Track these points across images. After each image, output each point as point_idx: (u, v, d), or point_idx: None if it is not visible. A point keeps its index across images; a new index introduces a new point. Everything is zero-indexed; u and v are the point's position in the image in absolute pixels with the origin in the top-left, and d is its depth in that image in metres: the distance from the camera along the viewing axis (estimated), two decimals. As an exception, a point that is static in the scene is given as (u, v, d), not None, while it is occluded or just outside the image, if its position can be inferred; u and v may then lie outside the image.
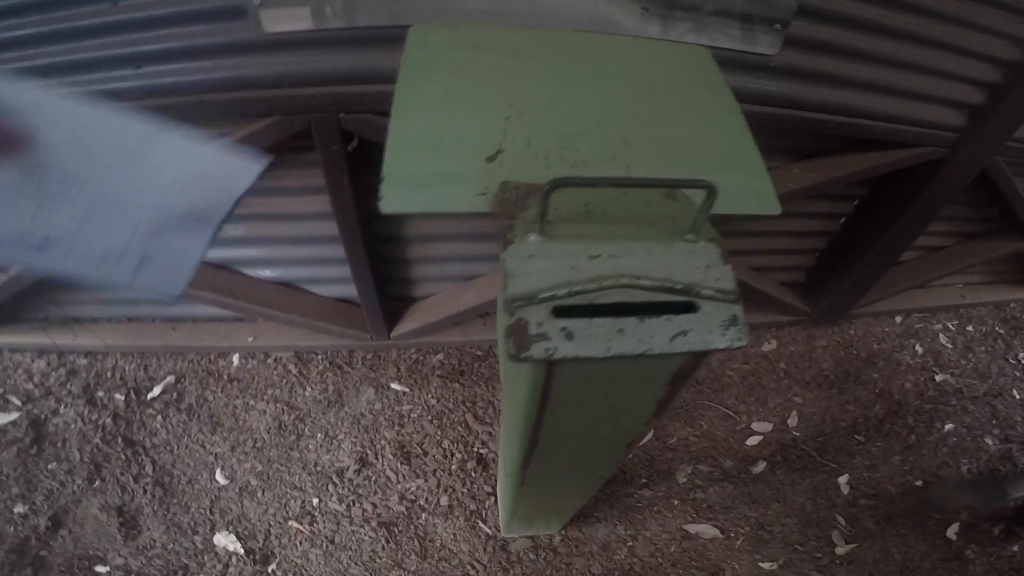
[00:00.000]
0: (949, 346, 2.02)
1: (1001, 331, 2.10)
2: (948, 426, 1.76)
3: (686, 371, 0.53)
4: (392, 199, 0.56)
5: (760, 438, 1.65)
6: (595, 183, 0.46)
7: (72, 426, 1.53)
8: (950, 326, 2.09)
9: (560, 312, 0.46)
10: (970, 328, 2.10)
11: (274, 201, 1.36)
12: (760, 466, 1.60)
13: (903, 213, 1.53)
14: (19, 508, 1.38)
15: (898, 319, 2.07)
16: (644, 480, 1.53)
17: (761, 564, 1.42)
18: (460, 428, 1.57)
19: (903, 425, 1.75)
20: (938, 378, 1.91)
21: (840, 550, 1.46)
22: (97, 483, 1.43)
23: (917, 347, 1.99)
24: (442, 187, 0.58)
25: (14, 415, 1.54)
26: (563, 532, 1.40)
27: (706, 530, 1.46)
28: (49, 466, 1.45)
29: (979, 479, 1.64)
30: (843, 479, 1.60)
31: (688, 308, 0.48)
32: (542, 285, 0.47)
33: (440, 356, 1.74)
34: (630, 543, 1.41)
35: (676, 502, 1.50)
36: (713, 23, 1.05)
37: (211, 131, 1.16)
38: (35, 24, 1.00)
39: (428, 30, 0.79)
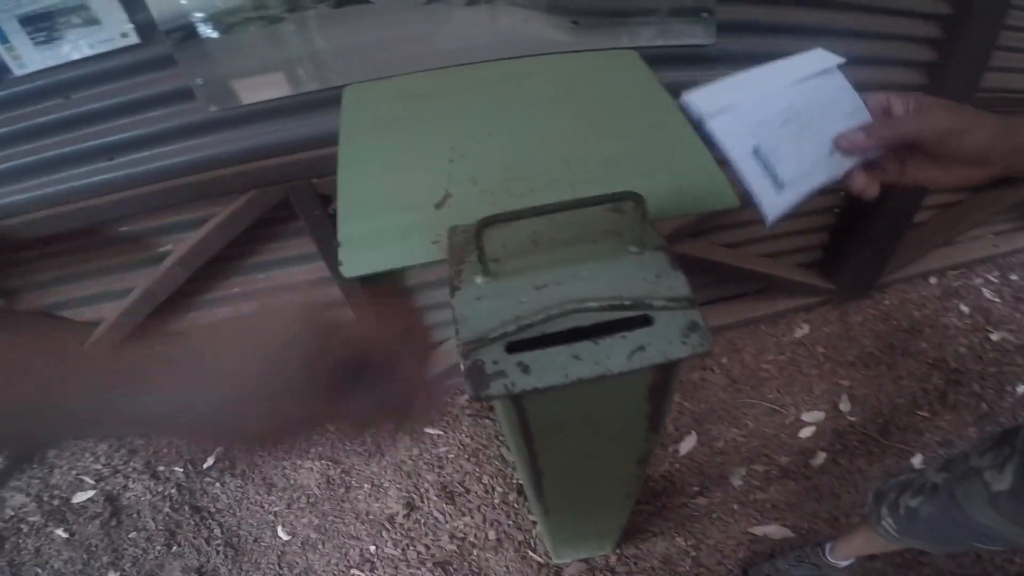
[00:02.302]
0: (997, 300, 1.87)
1: (1049, 272, 1.94)
2: (1021, 388, 1.62)
3: (660, 384, 0.51)
4: (351, 263, 0.58)
5: (813, 429, 1.56)
6: (519, 216, 0.46)
7: (142, 498, 1.64)
8: (991, 278, 1.94)
9: (514, 347, 0.47)
10: (1014, 277, 1.94)
11: (278, 274, 1.43)
12: (820, 458, 1.51)
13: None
14: (112, 574, 1.49)
15: (933, 280, 1.93)
16: (696, 489, 1.47)
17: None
18: (497, 462, 1.57)
19: (969, 393, 1.62)
20: (994, 337, 1.76)
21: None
22: (174, 548, 1.52)
23: (962, 307, 1.85)
24: (397, 242, 0.60)
25: (90, 492, 1.67)
26: (618, 551, 1.35)
27: (775, 531, 1.38)
28: (130, 535, 1.56)
29: None
30: (916, 459, 1.49)
31: (645, 321, 0.48)
32: (492, 324, 0.47)
33: (466, 396, 1.75)
34: (693, 553, 1.35)
35: (735, 506, 1.43)
36: (644, 24, 1.05)
37: (196, 213, 1.22)
38: (1, 124, 1.05)
39: (361, 88, 0.83)
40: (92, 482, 1.69)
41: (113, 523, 1.58)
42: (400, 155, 0.68)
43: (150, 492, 1.64)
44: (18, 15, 0.90)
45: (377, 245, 0.60)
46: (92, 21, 0.91)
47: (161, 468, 1.71)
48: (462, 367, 0.46)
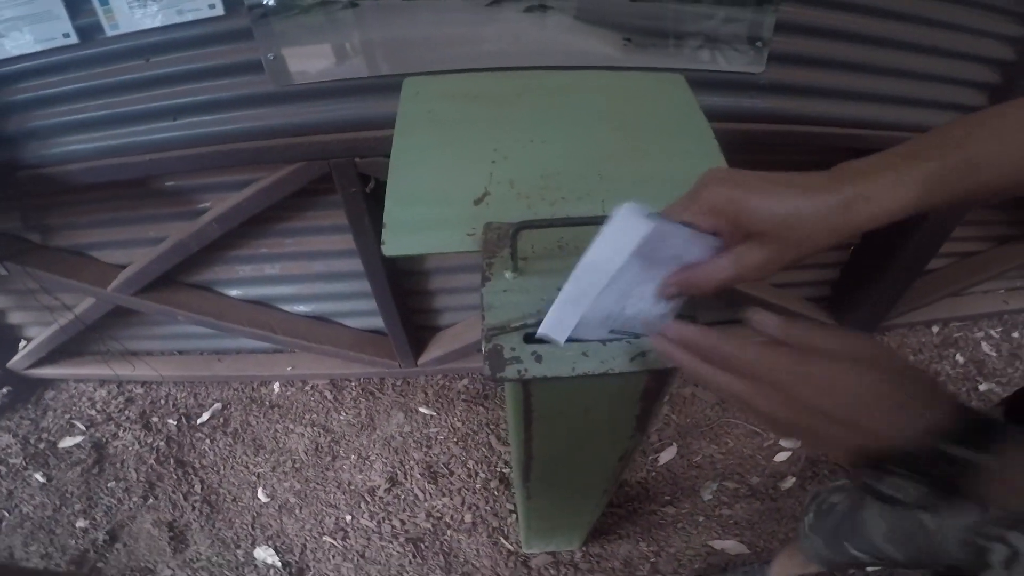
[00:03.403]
0: (993, 354, 1.93)
1: (1052, 337, 2.00)
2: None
3: (653, 389, 0.58)
4: (393, 243, 0.65)
5: (789, 454, 1.63)
6: (551, 224, 0.53)
7: (130, 448, 1.68)
8: (993, 333, 2.00)
9: (531, 339, 0.53)
10: (1016, 335, 1.99)
11: (306, 240, 1.49)
12: (789, 482, 1.57)
13: (923, 221, 1.51)
14: (81, 523, 1.52)
15: (935, 329, 2.00)
16: (668, 498, 1.54)
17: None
18: (484, 449, 1.63)
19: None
20: (982, 387, 1.82)
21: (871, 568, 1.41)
22: (151, 500, 1.56)
23: (958, 356, 1.91)
24: (436, 230, 0.66)
25: (79, 438, 1.71)
26: (584, 548, 1.42)
27: (732, 546, 1.45)
28: (109, 484, 1.60)
29: None
30: (881, 493, 1.56)
31: (649, 330, 0.54)
32: (515, 315, 0.54)
33: (465, 381, 1.81)
34: (653, 559, 1.42)
35: (701, 519, 1.50)
36: (695, 47, 1.09)
37: (239, 176, 1.29)
38: (80, 80, 1.13)
39: (420, 82, 0.88)
40: (83, 427, 1.73)
41: (95, 471, 1.62)
42: (448, 152, 0.74)
43: (139, 442, 1.68)
44: None
45: (417, 230, 0.66)
46: None
47: (155, 419, 1.75)
48: (483, 349, 0.53)
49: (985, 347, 1.95)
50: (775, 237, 0.41)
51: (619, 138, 0.78)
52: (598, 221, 0.54)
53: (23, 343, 1.81)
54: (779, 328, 0.40)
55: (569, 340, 0.49)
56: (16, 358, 1.79)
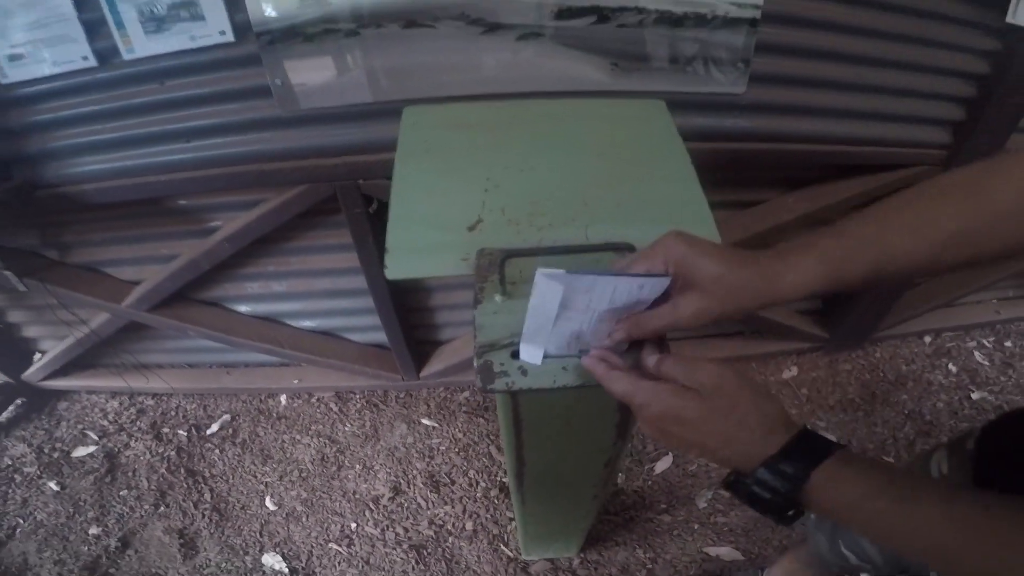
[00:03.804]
0: (986, 363, 1.96)
1: (1044, 345, 2.03)
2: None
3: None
4: (394, 267, 0.70)
5: (781, 464, 1.67)
6: (535, 253, 0.59)
7: (141, 458, 1.73)
8: (986, 343, 2.03)
9: (517, 355, 0.58)
10: (1008, 344, 2.02)
11: (311, 259, 1.55)
12: (782, 491, 1.61)
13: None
14: (93, 530, 1.57)
15: (927, 339, 2.03)
16: (664, 506, 1.58)
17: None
18: (484, 459, 1.68)
19: (937, 444, 1.71)
20: (975, 396, 1.85)
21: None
22: (162, 508, 1.61)
23: (950, 366, 1.94)
24: (434, 255, 0.71)
25: (92, 448, 1.77)
26: (582, 555, 1.46)
27: (727, 552, 1.48)
28: (121, 493, 1.65)
29: None
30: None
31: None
32: (503, 335, 0.59)
33: (466, 394, 1.86)
34: (649, 566, 1.45)
35: (696, 526, 1.53)
36: (679, 70, 1.14)
37: (249, 196, 1.36)
38: (98, 102, 1.17)
39: (419, 111, 0.94)
40: (96, 437, 1.79)
41: (107, 480, 1.67)
42: (445, 180, 0.80)
43: (150, 452, 1.74)
44: (136, 4, 1.02)
45: (417, 254, 0.71)
46: (198, 17, 1.04)
47: (166, 430, 1.81)
48: (475, 364, 0.58)
49: (978, 356, 1.98)
50: (707, 292, 0.48)
51: (602, 164, 0.83)
52: (575, 250, 0.60)
53: (37, 356, 1.88)
54: (654, 365, 0.50)
55: (546, 357, 0.57)
56: (31, 370, 1.86)
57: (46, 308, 1.65)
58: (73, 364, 1.87)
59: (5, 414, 1.88)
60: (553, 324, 0.53)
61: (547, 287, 0.49)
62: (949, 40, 1.23)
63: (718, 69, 1.16)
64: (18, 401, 1.90)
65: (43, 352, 1.88)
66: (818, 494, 0.42)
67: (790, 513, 0.44)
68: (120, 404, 1.90)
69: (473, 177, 0.81)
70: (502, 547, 1.48)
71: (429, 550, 1.49)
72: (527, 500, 0.92)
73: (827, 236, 0.48)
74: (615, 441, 0.72)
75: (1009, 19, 1.16)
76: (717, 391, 0.45)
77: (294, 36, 1.06)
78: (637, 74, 1.15)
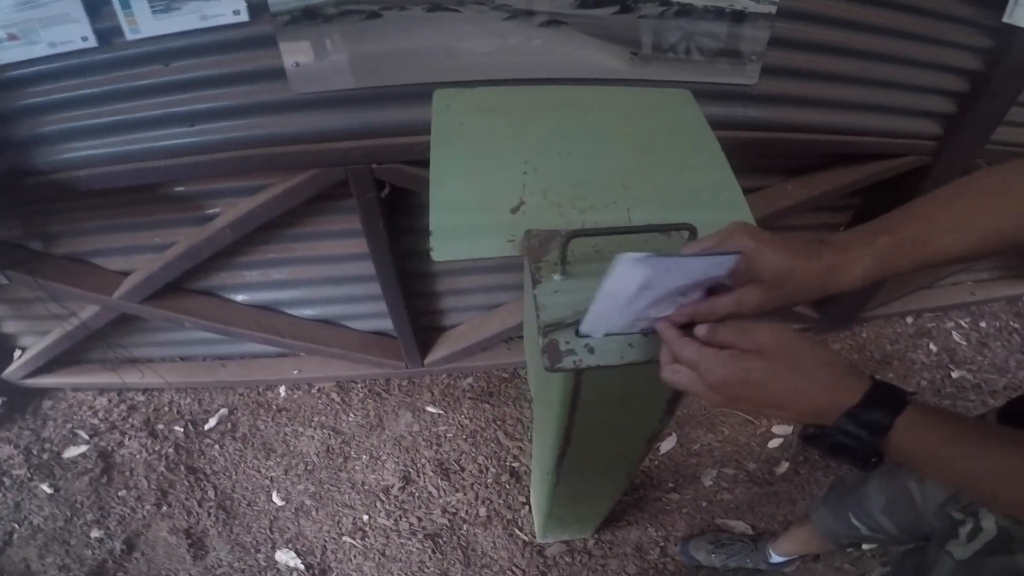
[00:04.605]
0: (963, 343, 2.07)
1: (1016, 325, 2.14)
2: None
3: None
4: (440, 250, 0.69)
5: (781, 440, 1.73)
6: (601, 232, 0.59)
7: (137, 456, 1.67)
8: (963, 323, 2.14)
9: (582, 333, 0.59)
10: (983, 324, 2.14)
11: (315, 245, 1.52)
12: (783, 467, 1.67)
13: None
14: (95, 533, 1.51)
15: (909, 320, 2.13)
16: (671, 485, 1.62)
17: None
18: (493, 444, 1.69)
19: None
20: (955, 375, 1.95)
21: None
22: (164, 508, 1.56)
23: (931, 346, 2.05)
24: (478, 237, 0.71)
25: (83, 447, 1.69)
26: (596, 536, 1.49)
27: (736, 525, 1.53)
28: (119, 493, 1.59)
29: None
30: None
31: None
32: (567, 313, 0.60)
33: (470, 379, 1.86)
34: (662, 544, 1.50)
35: (704, 504, 1.58)
36: (695, 61, 1.16)
37: (252, 181, 1.31)
38: (97, 84, 1.11)
39: (449, 95, 0.93)
40: (86, 437, 1.72)
41: (103, 480, 1.61)
42: (483, 163, 0.79)
43: (146, 450, 1.68)
44: None
45: (461, 237, 0.71)
46: None
47: (160, 427, 1.75)
48: (541, 344, 0.58)
49: (956, 336, 2.09)
50: (772, 285, 0.51)
51: (637, 152, 0.84)
52: (638, 230, 0.60)
53: (18, 353, 1.79)
54: (706, 333, 0.51)
55: (607, 336, 0.58)
56: (11, 368, 1.77)
57: (27, 302, 1.57)
58: (57, 361, 1.78)
59: (-15, 415, 1.79)
60: (623, 309, 0.54)
61: (631, 271, 0.49)
62: (947, 37, 1.29)
63: (732, 61, 1.18)
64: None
65: (24, 349, 1.79)
66: (899, 442, 0.44)
67: (873, 460, 0.46)
68: (109, 401, 1.83)
69: (511, 161, 0.80)
70: (517, 532, 1.50)
71: (444, 538, 1.49)
72: (561, 481, 0.93)
73: (882, 234, 0.52)
74: (663, 416, 0.74)
75: (1006, 19, 1.21)
76: (780, 350, 0.47)
77: (313, 17, 1.02)
78: (655, 63, 1.17)
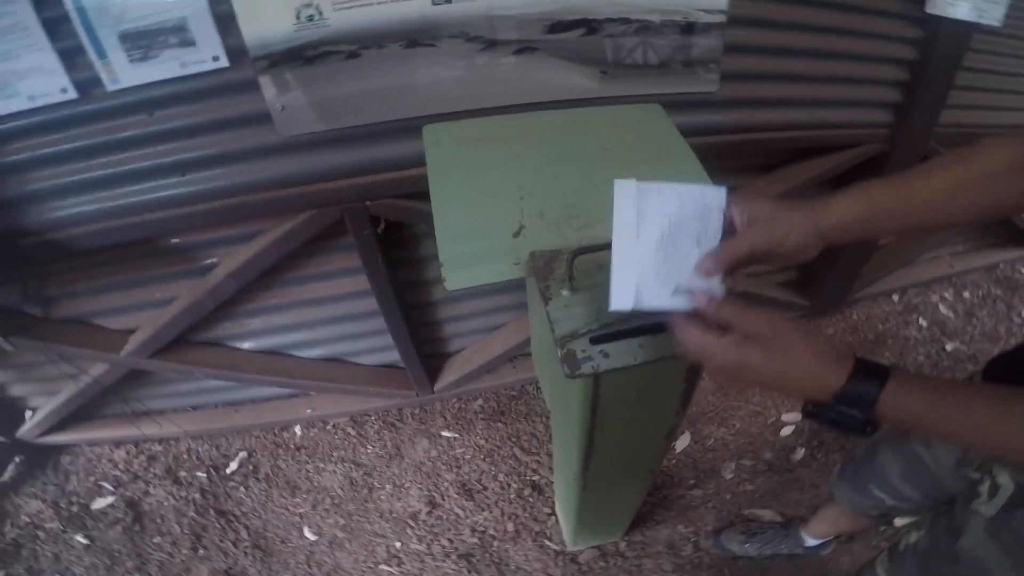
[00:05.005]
0: (951, 315, 2.13)
1: (998, 292, 2.21)
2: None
3: (695, 367, 0.69)
4: (453, 279, 0.74)
5: (792, 428, 1.76)
6: (601, 248, 0.64)
7: (165, 503, 1.69)
8: (946, 296, 2.20)
9: (596, 340, 0.63)
10: (967, 294, 2.21)
11: (313, 287, 1.54)
12: (799, 453, 1.70)
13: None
14: None
15: (895, 297, 2.19)
16: (692, 481, 1.65)
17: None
18: (511, 461, 1.71)
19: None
20: (948, 347, 2.01)
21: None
22: (201, 551, 1.57)
23: (920, 320, 2.10)
24: (486, 263, 0.76)
25: (110, 498, 1.71)
26: (626, 538, 1.51)
27: (764, 514, 1.56)
28: (154, 540, 1.61)
29: None
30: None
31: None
32: (579, 325, 0.64)
33: (480, 401, 1.89)
34: (693, 539, 1.52)
35: (728, 496, 1.61)
36: (660, 74, 1.23)
37: (247, 228, 1.30)
38: (81, 137, 1.08)
39: (438, 129, 0.97)
40: (111, 488, 1.73)
41: (136, 528, 1.63)
42: (481, 192, 0.84)
43: (173, 497, 1.69)
44: (119, 32, 0.94)
45: (470, 265, 0.76)
46: (188, 43, 0.97)
47: (183, 473, 1.77)
48: (559, 355, 0.63)
49: (943, 309, 2.15)
50: (766, 225, 0.59)
51: (619, 166, 0.90)
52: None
53: (29, 413, 1.79)
54: (714, 308, 0.56)
55: (634, 315, 0.60)
56: (25, 427, 1.78)
57: (33, 365, 1.58)
58: (70, 418, 1.79)
59: (7, 474, 1.80)
60: (641, 247, 0.58)
61: (623, 194, 0.57)
62: (881, 31, 1.38)
63: (694, 70, 1.26)
64: (16, 460, 1.81)
65: (34, 409, 1.79)
66: (887, 410, 0.49)
67: (868, 429, 0.51)
68: (127, 453, 1.85)
69: (506, 187, 0.86)
70: (546, 542, 1.52)
71: (477, 557, 1.51)
72: (588, 486, 0.97)
73: (877, 185, 0.60)
74: (678, 411, 0.78)
75: (929, 9, 1.32)
76: (773, 339, 0.52)
77: (293, 59, 1.04)
78: (624, 80, 1.23)
